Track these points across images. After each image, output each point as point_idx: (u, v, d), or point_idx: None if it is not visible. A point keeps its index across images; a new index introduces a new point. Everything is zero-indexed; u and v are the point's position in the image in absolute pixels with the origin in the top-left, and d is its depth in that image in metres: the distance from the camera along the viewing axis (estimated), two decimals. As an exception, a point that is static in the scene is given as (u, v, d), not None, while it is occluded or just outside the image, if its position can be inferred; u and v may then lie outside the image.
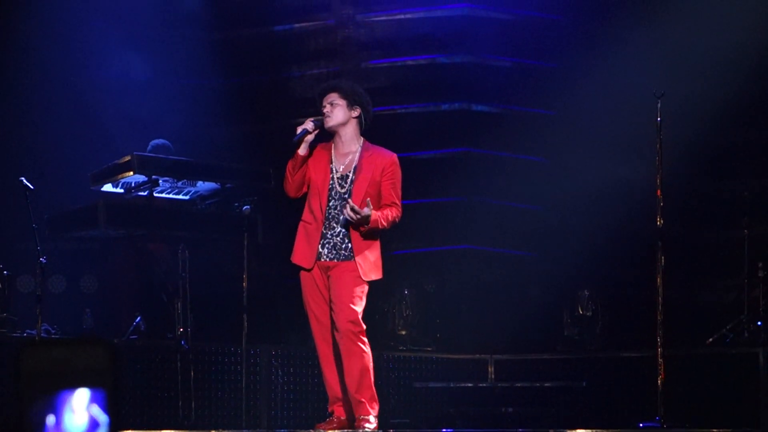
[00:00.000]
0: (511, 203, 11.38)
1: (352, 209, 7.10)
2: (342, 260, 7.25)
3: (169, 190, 9.44)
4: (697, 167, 10.72)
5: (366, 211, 7.12)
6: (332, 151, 7.38)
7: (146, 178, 9.12)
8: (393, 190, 7.33)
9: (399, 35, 11.60)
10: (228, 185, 9.40)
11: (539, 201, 11.29)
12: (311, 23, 11.87)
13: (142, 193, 9.27)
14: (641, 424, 8.03)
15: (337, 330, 7.22)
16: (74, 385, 2.34)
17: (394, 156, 7.41)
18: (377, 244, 7.35)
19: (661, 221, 8.14)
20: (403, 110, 11.48)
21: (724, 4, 10.65)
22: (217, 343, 9.35)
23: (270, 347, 9.59)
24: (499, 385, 10.11)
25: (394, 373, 9.94)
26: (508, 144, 11.38)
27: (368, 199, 7.18)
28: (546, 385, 9.89)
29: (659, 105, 8.19)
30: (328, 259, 7.27)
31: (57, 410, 2.37)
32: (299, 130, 7.29)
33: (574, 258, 10.78)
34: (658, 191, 8.13)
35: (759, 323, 9.50)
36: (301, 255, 7.34)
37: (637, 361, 9.59)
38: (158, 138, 10.02)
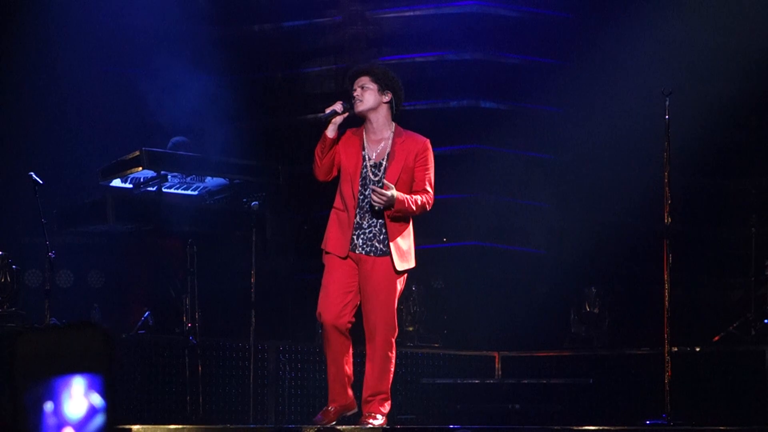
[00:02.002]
0: (520, 200, 11.38)
1: (374, 191, 6.96)
2: (378, 256, 7.12)
3: (177, 186, 9.43)
4: (705, 165, 10.72)
5: (389, 192, 6.97)
6: (364, 138, 7.24)
7: (155, 174, 9.11)
8: (425, 176, 7.19)
9: (408, 32, 11.60)
10: (236, 181, 9.38)
11: (547, 198, 11.29)
12: (320, 20, 11.87)
13: (150, 189, 9.26)
14: (648, 422, 8.05)
15: (370, 329, 7.12)
16: (70, 371, 2.33)
17: (427, 141, 7.26)
18: (410, 232, 7.21)
19: (669, 219, 8.13)
20: (412, 107, 11.44)
21: (733, 3, 10.65)
22: (225, 339, 9.36)
23: (277, 343, 9.61)
24: (506, 381, 10.10)
25: (402, 369, 9.91)
26: (517, 141, 11.38)
27: (385, 180, 7.04)
28: (553, 382, 9.89)
29: (667, 103, 8.20)
30: (363, 252, 7.13)
31: (54, 396, 2.37)
32: (328, 110, 7.14)
33: (582, 255, 10.77)
34: (666, 189, 8.13)
35: (766, 321, 9.52)
36: (334, 243, 7.18)
37: (644, 359, 9.59)
38: (177, 135, 10.04)
